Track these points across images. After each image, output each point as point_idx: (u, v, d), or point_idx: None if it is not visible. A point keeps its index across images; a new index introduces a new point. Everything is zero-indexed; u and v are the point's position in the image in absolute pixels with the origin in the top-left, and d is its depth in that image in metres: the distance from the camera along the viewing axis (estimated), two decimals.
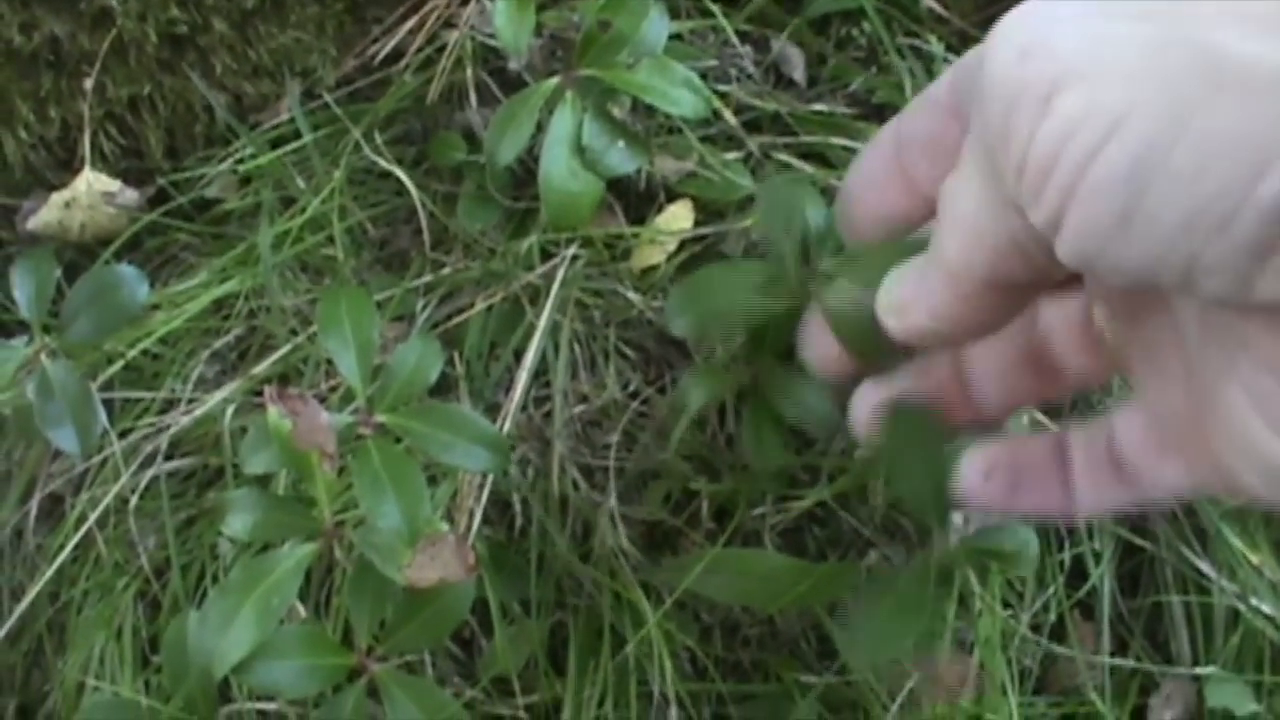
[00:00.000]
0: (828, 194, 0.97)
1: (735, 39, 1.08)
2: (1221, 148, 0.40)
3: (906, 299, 0.57)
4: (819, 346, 0.68)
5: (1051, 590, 1.00)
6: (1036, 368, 0.64)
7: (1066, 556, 1.00)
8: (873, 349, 0.65)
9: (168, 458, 1.04)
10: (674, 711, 0.98)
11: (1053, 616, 1.01)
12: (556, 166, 0.97)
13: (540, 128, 0.98)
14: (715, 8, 1.07)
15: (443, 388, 0.98)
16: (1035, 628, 1.01)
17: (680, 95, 0.97)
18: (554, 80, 0.99)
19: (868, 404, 0.67)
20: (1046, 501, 0.63)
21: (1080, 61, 0.42)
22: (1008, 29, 0.45)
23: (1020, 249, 0.48)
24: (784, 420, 0.92)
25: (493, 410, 1.00)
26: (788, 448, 0.95)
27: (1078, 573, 1.02)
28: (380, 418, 0.89)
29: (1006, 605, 0.99)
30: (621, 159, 0.99)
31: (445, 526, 0.85)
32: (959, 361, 0.64)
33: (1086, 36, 0.43)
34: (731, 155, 1.06)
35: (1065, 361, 0.62)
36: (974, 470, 0.64)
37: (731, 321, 0.88)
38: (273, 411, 0.83)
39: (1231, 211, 0.40)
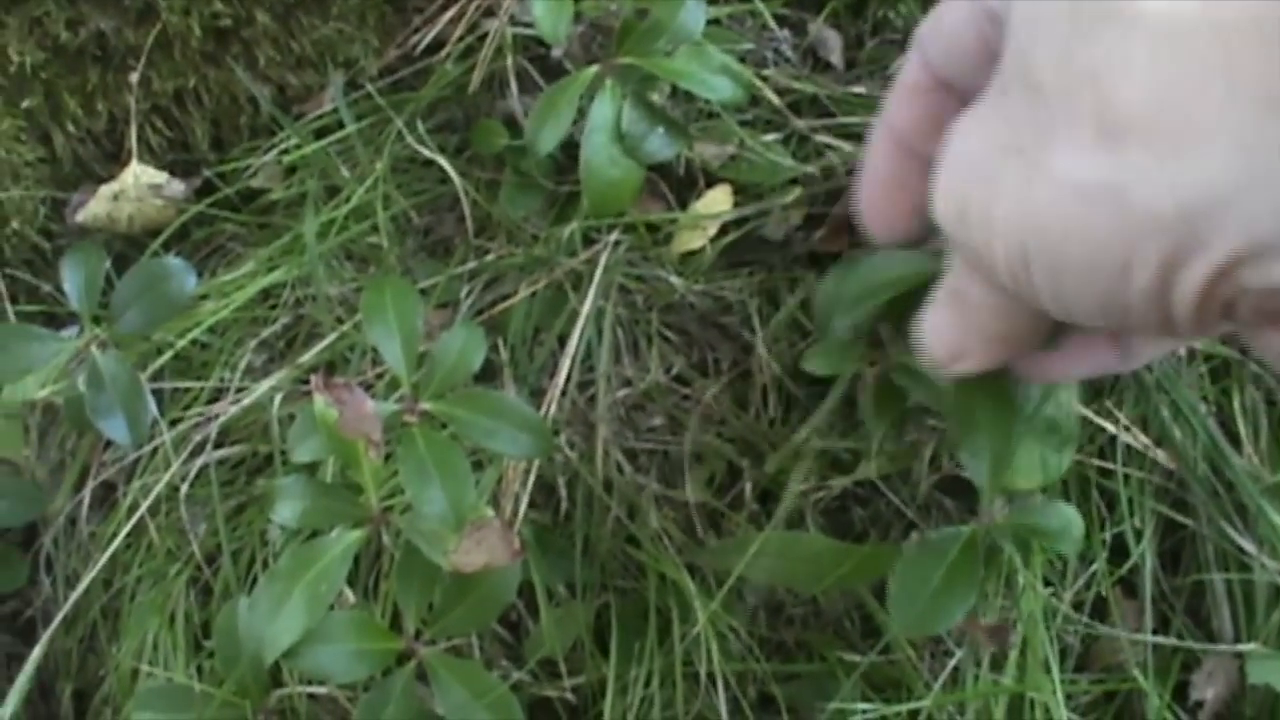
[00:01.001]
0: None
1: (773, 22, 1.08)
2: (1087, 269, 0.48)
3: (959, 348, 0.62)
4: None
5: (1094, 568, 1.00)
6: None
7: (1108, 534, 1.00)
8: None
9: (217, 446, 1.06)
10: (720, 692, 0.98)
11: (1095, 594, 1.01)
12: (597, 154, 0.98)
13: (580, 114, 0.99)
14: None
15: (487, 374, 0.99)
16: (1077, 605, 1.01)
17: (718, 81, 0.98)
18: (593, 68, 0.99)
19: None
20: (1101, 360, 0.66)
21: (993, 220, 0.51)
22: (941, 197, 0.54)
23: (1043, 310, 0.53)
24: (905, 399, 0.92)
25: (537, 395, 1.01)
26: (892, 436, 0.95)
27: (1119, 550, 1.02)
28: (425, 405, 0.90)
29: (1048, 583, 0.99)
30: (661, 145, 1.00)
31: (491, 512, 0.86)
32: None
33: (991, 193, 0.51)
34: (771, 137, 1.06)
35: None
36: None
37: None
38: (319, 400, 0.85)
39: (1123, 304, 0.48)
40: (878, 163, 0.67)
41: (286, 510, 0.88)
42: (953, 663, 0.98)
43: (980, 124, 0.53)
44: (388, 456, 0.87)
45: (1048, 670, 0.97)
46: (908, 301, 0.88)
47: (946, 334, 0.63)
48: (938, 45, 0.63)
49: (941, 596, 0.85)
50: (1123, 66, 0.45)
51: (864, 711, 0.97)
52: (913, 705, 0.96)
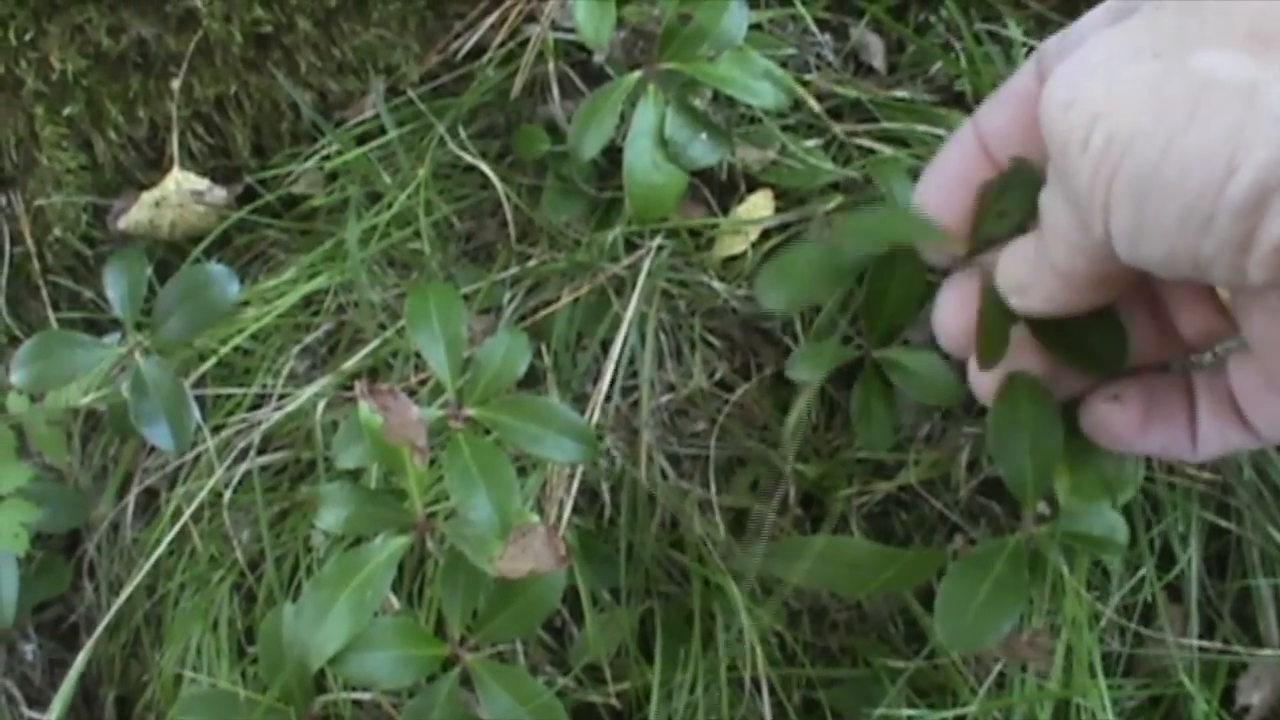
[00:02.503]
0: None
1: (814, 27, 1.08)
2: (1196, 159, 0.48)
3: (1025, 281, 0.63)
4: (956, 323, 0.71)
5: (1141, 573, 0.99)
6: (1158, 328, 0.67)
7: (1155, 538, 1.00)
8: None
9: (260, 452, 1.06)
10: (764, 697, 0.98)
11: (1141, 599, 1.01)
12: (640, 159, 0.98)
13: (622, 120, 0.99)
14: None
15: (530, 380, 0.99)
16: (1122, 609, 1.01)
17: (761, 87, 0.98)
18: (636, 74, 0.99)
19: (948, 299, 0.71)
20: (1174, 441, 0.67)
21: (1104, 104, 0.52)
22: (1055, 84, 0.55)
23: (1109, 252, 0.55)
24: (892, 398, 0.93)
25: (580, 401, 1.01)
26: (894, 422, 0.96)
27: (1164, 555, 1.02)
28: (470, 411, 0.90)
29: (1092, 587, 0.99)
30: (704, 151, 1.00)
31: (536, 518, 0.86)
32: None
33: (1110, 82, 0.52)
34: (813, 142, 1.06)
35: (1186, 325, 0.66)
36: (1104, 397, 0.68)
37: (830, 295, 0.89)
38: (364, 407, 0.85)
39: (1210, 211, 0.48)
40: (952, 157, 0.68)
41: (331, 516, 0.88)
42: (998, 668, 0.98)
43: (1120, 33, 0.54)
44: (432, 463, 0.87)
45: (1093, 675, 0.97)
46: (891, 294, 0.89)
47: (1017, 265, 0.64)
48: (1054, 51, 0.64)
49: (988, 611, 0.85)
50: None
51: (910, 717, 0.97)
52: (958, 711, 0.96)
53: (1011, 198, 0.67)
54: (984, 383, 0.76)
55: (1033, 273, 0.64)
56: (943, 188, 0.70)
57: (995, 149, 0.67)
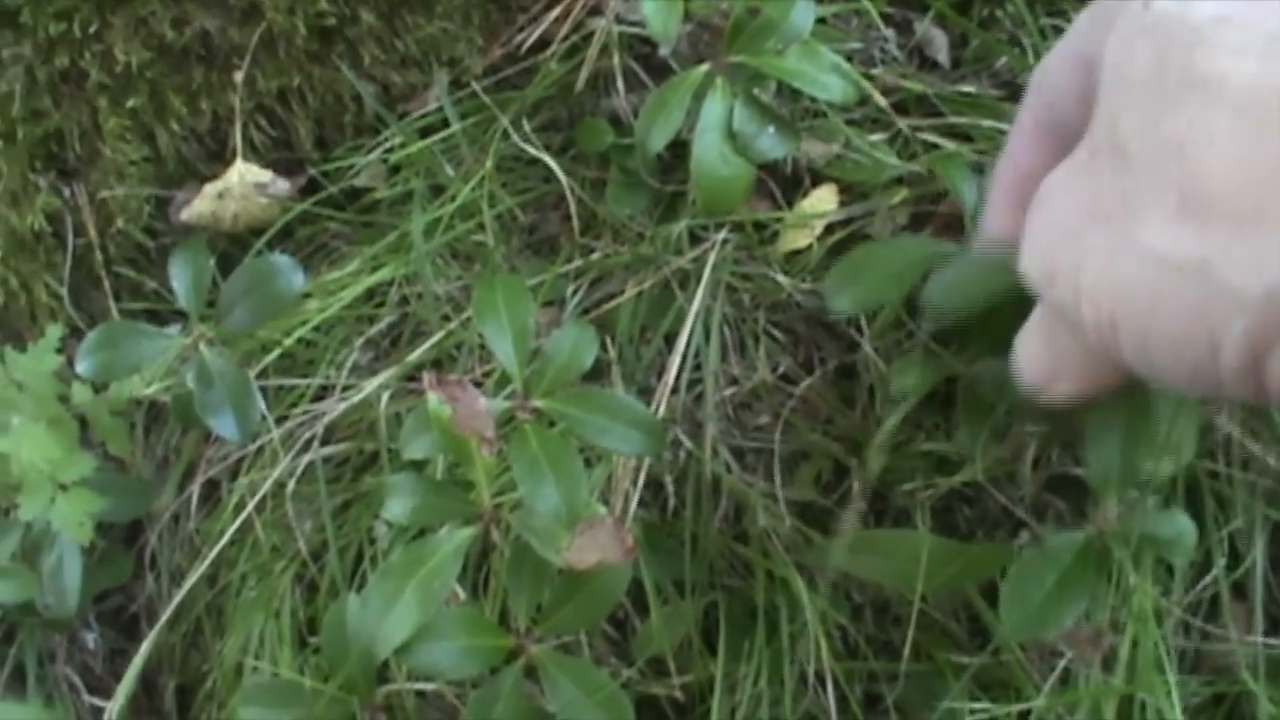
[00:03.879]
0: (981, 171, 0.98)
1: (879, 21, 1.08)
2: (1177, 341, 0.47)
3: (1051, 370, 0.62)
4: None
5: (1213, 573, 0.99)
6: None
7: (1224, 536, 1.00)
8: None
9: (323, 443, 1.06)
10: (828, 690, 0.98)
11: (1207, 595, 1.01)
12: (708, 153, 0.98)
13: (687, 114, 0.99)
14: None
15: (594, 373, 0.99)
16: (1189, 606, 1.01)
17: (829, 80, 0.98)
18: (703, 67, 0.99)
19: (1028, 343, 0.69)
20: None
21: (1080, 280, 0.51)
22: (1031, 253, 0.55)
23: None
24: (993, 410, 0.93)
25: (645, 394, 1.02)
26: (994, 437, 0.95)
27: (1229, 553, 1.01)
28: (537, 403, 0.90)
29: (1157, 582, 0.99)
30: (772, 144, 1.00)
31: (603, 509, 0.87)
32: None
33: (1078, 254, 0.51)
34: (877, 137, 1.06)
35: None
36: None
37: (948, 307, 0.89)
38: (432, 398, 0.85)
39: (1214, 378, 0.47)
40: (1000, 190, 0.67)
41: (397, 507, 0.88)
42: (1062, 663, 0.97)
43: (1068, 188, 0.53)
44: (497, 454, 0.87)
45: (1159, 671, 0.96)
46: (1001, 312, 0.89)
47: (1041, 360, 0.63)
48: (1041, 97, 0.63)
49: (1053, 602, 0.86)
50: (1206, 139, 0.45)
51: (974, 712, 0.97)
52: (1023, 706, 0.96)
53: None
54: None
55: (1058, 367, 0.63)
56: (1002, 217, 0.68)
57: (1038, 178, 0.65)
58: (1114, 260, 0.49)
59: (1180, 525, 0.89)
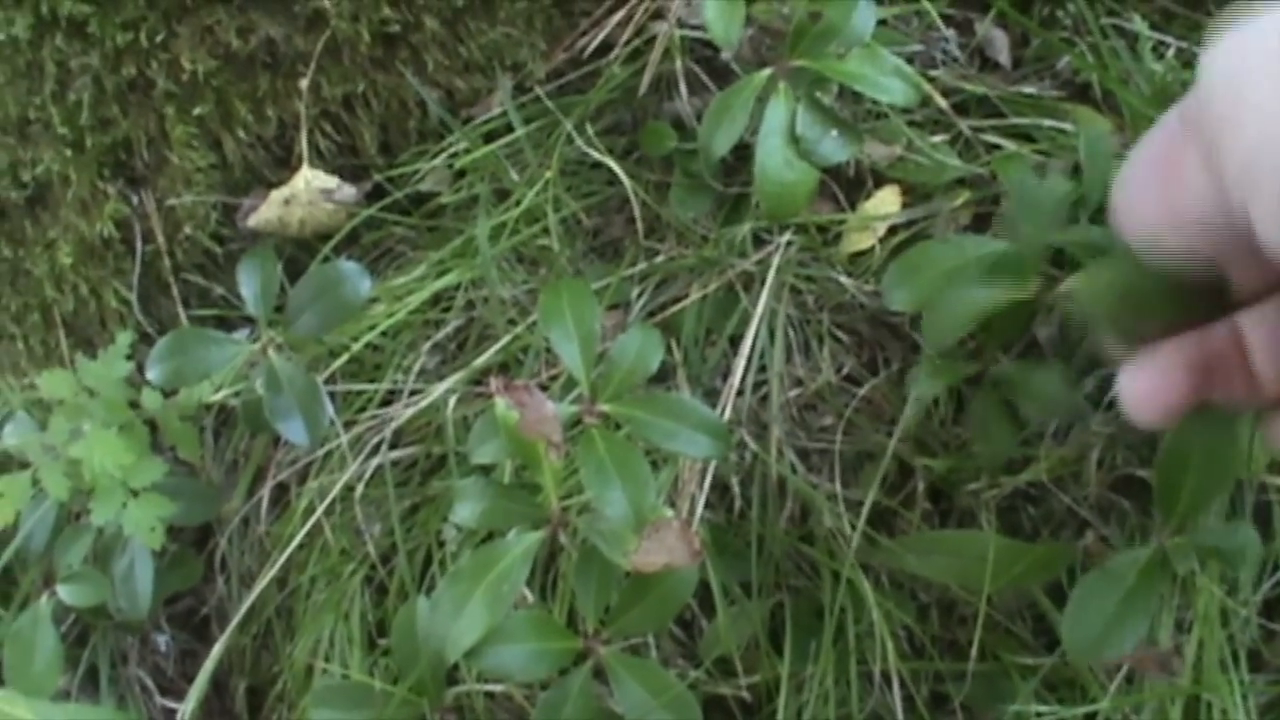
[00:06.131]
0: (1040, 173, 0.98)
1: (940, 22, 1.08)
2: None
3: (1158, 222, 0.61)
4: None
5: (1276, 570, 0.99)
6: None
7: None
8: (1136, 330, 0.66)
9: (391, 447, 1.07)
10: (895, 690, 0.99)
11: (1261, 596, 1.01)
12: (772, 157, 0.99)
13: (750, 117, 1.00)
14: None
15: (660, 375, 1.00)
16: (1256, 605, 1.01)
17: (891, 83, 0.98)
18: (766, 71, 1.00)
19: (1142, 381, 0.67)
20: (1238, 397, 0.64)
21: (1260, 100, 0.50)
22: (1223, 54, 0.52)
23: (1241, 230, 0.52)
24: (1010, 409, 0.93)
25: (710, 396, 1.02)
26: (1013, 435, 0.96)
27: None
28: (603, 407, 0.90)
29: (1222, 581, 0.99)
30: (835, 148, 1.00)
31: (670, 512, 0.87)
32: (1238, 331, 0.64)
33: (1266, 78, 0.50)
34: (939, 138, 1.06)
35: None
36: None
37: (961, 312, 0.89)
38: (500, 402, 0.85)
39: None
40: (1158, 138, 0.65)
41: (466, 510, 0.89)
42: (1127, 664, 0.97)
43: None
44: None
45: (1224, 671, 0.96)
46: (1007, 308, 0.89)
47: (1158, 204, 0.61)
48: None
49: (1116, 624, 0.86)
50: None
51: (1040, 714, 0.97)
52: (1089, 708, 0.96)
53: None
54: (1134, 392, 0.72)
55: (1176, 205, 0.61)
56: (1144, 172, 0.66)
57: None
58: None
59: (1244, 537, 0.89)
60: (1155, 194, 0.62)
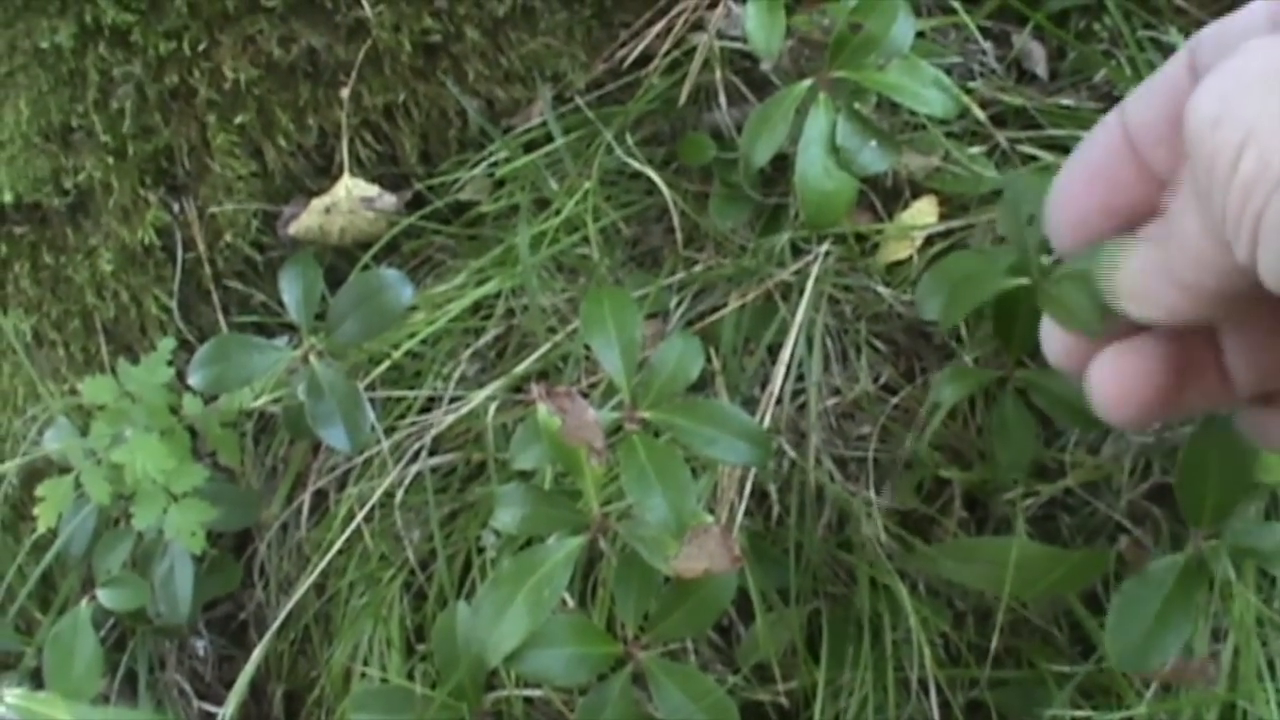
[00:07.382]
0: None
1: (978, 35, 1.09)
2: None
3: (1143, 291, 0.60)
4: (1053, 339, 0.69)
5: None
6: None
7: None
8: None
9: (431, 453, 1.08)
10: (932, 697, 0.99)
11: None
12: (813, 167, 0.99)
13: (790, 127, 1.00)
14: (957, 4, 1.08)
15: (699, 383, 1.00)
16: None
17: (931, 95, 0.99)
18: (806, 82, 1.00)
19: (1111, 370, 0.68)
20: (1211, 394, 0.64)
21: (1259, 126, 0.48)
22: (1204, 95, 0.51)
23: (1242, 273, 0.51)
24: (1032, 414, 0.94)
25: (749, 404, 1.03)
26: (1036, 440, 0.96)
27: None
28: (644, 413, 0.91)
29: (1259, 590, 0.99)
30: (874, 158, 1.00)
31: (710, 518, 0.87)
32: (1209, 328, 0.64)
33: (1267, 100, 0.49)
34: (976, 149, 1.07)
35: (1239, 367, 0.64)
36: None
37: (973, 294, 0.90)
38: (542, 409, 0.86)
39: None
40: (1095, 147, 0.65)
41: (507, 516, 0.89)
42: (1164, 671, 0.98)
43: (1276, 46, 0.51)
44: None
45: (1260, 679, 0.97)
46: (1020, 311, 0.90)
47: (1135, 273, 0.61)
48: (1209, 44, 0.62)
49: (1158, 631, 0.86)
50: None
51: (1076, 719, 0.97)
52: (1124, 714, 0.96)
53: None
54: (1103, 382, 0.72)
55: (1153, 282, 0.62)
56: (1081, 179, 0.67)
57: (1140, 142, 0.64)
58: None
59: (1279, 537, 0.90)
60: (1095, 203, 0.63)
